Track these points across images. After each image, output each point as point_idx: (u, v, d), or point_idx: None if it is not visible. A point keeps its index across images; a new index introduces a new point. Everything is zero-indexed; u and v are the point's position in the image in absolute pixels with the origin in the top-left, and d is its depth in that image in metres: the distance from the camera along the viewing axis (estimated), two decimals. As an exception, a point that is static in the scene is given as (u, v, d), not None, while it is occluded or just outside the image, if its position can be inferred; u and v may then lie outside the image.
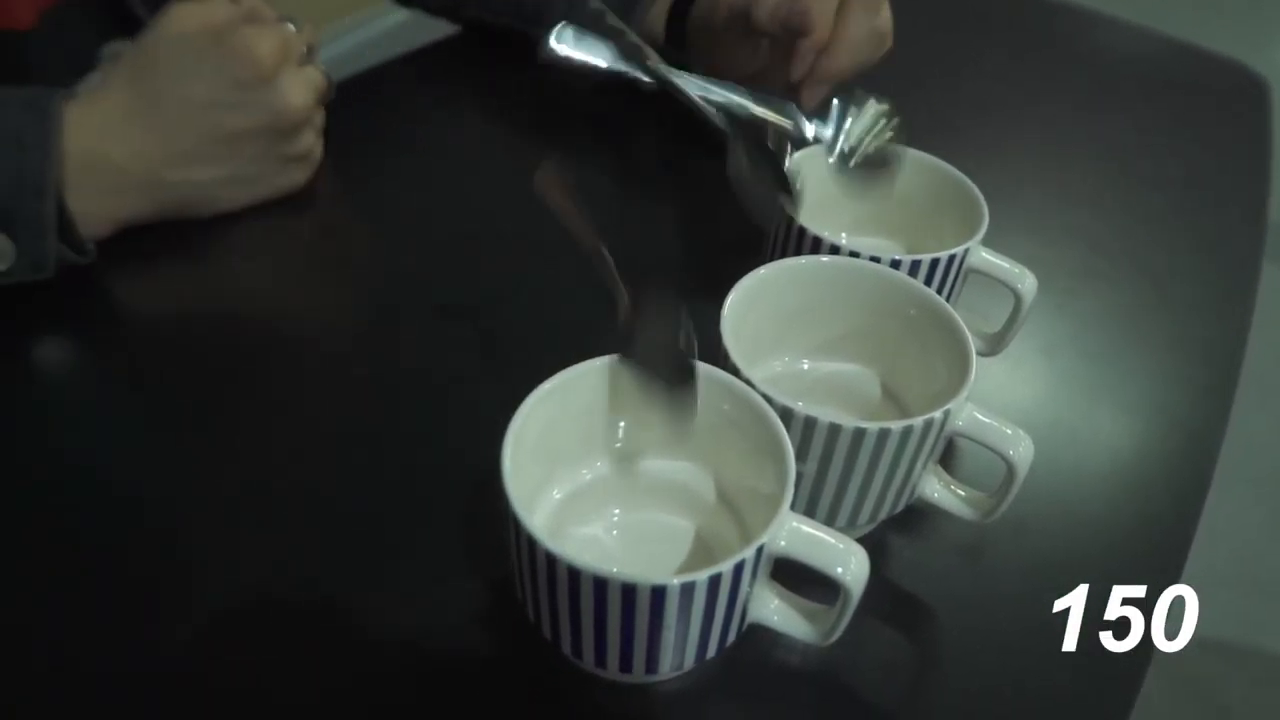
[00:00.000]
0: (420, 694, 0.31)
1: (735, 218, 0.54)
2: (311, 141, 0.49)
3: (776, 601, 0.30)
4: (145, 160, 0.43)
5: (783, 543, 0.28)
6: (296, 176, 0.50)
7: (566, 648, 0.30)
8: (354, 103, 0.60)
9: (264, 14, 0.46)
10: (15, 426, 0.39)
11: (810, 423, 0.30)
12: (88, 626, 0.32)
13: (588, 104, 0.61)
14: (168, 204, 0.46)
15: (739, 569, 0.27)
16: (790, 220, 0.39)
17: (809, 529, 0.28)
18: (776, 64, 0.51)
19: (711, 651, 0.30)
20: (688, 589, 0.26)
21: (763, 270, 0.36)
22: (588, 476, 0.34)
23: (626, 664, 0.29)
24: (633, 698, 0.32)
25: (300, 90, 0.46)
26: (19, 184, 0.39)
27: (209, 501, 0.36)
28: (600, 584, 0.26)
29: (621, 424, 0.34)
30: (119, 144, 0.43)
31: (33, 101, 0.40)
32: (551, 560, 0.27)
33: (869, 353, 0.38)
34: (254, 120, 0.45)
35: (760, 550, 0.27)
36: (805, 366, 0.38)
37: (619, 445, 0.34)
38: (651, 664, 0.29)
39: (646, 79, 0.50)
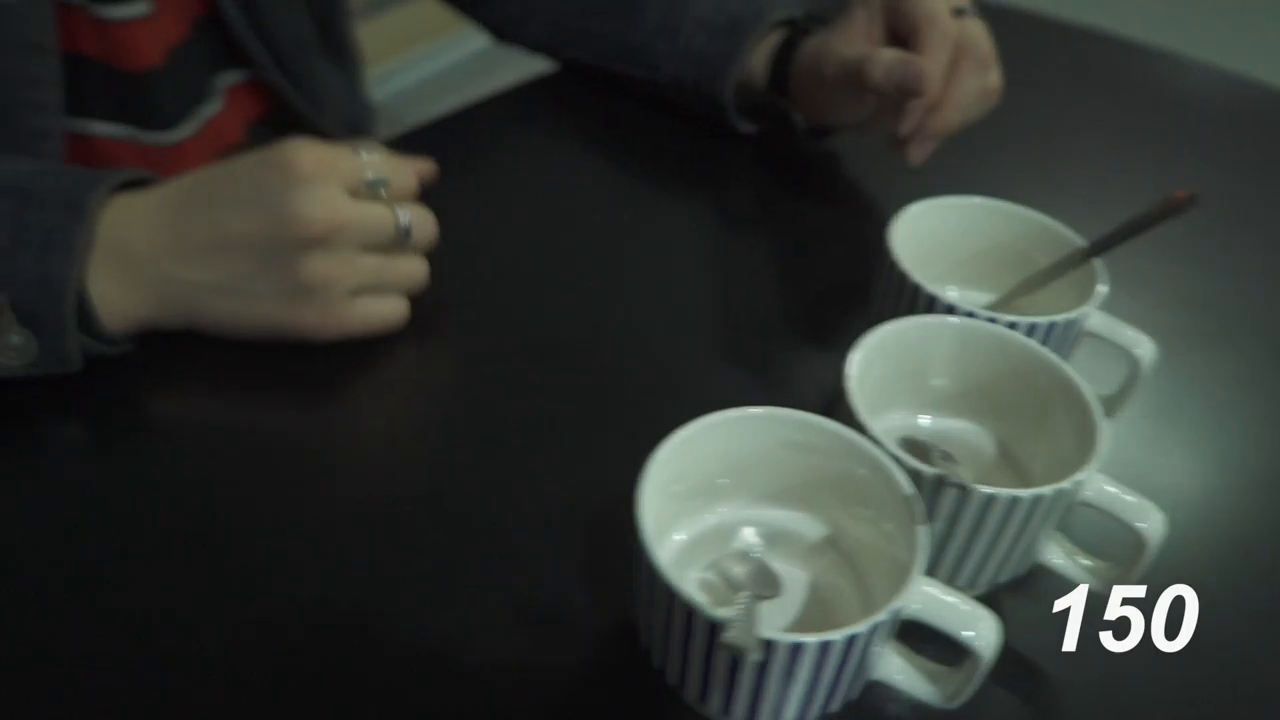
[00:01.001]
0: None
1: (833, 265, 0.55)
2: (329, 273, 0.40)
3: (900, 661, 0.31)
4: (157, 250, 0.40)
5: (916, 606, 0.28)
6: (307, 316, 0.41)
7: (693, 695, 0.30)
8: (451, 141, 0.62)
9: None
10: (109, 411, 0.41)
11: (939, 485, 0.31)
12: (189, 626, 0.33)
13: (687, 147, 0.63)
14: (171, 304, 0.41)
15: (874, 630, 0.28)
16: (903, 276, 0.40)
17: (941, 594, 0.29)
18: (882, 118, 0.52)
19: (834, 706, 0.30)
20: (824, 648, 0.27)
21: (889, 326, 0.36)
22: (711, 521, 0.35)
23: (753, 714, 0.30)
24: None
25: (325, 205, 0.39)
26: (42, 285, 0.37)
27: (322, 520, 0.38)
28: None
29: (747, 473, 0.35)
30: (141, 233, 0.40)
31: (73, 200, 0.38)
32: (690, 613, 0.28)
33: (985, 412, 0.39)
34: (254, 221, 0.39)
35: (893, 613, 0.28)
36: (921, 422, 0.39)
37: (743, 494, 0.35)
38: (777, 716, 0.30)
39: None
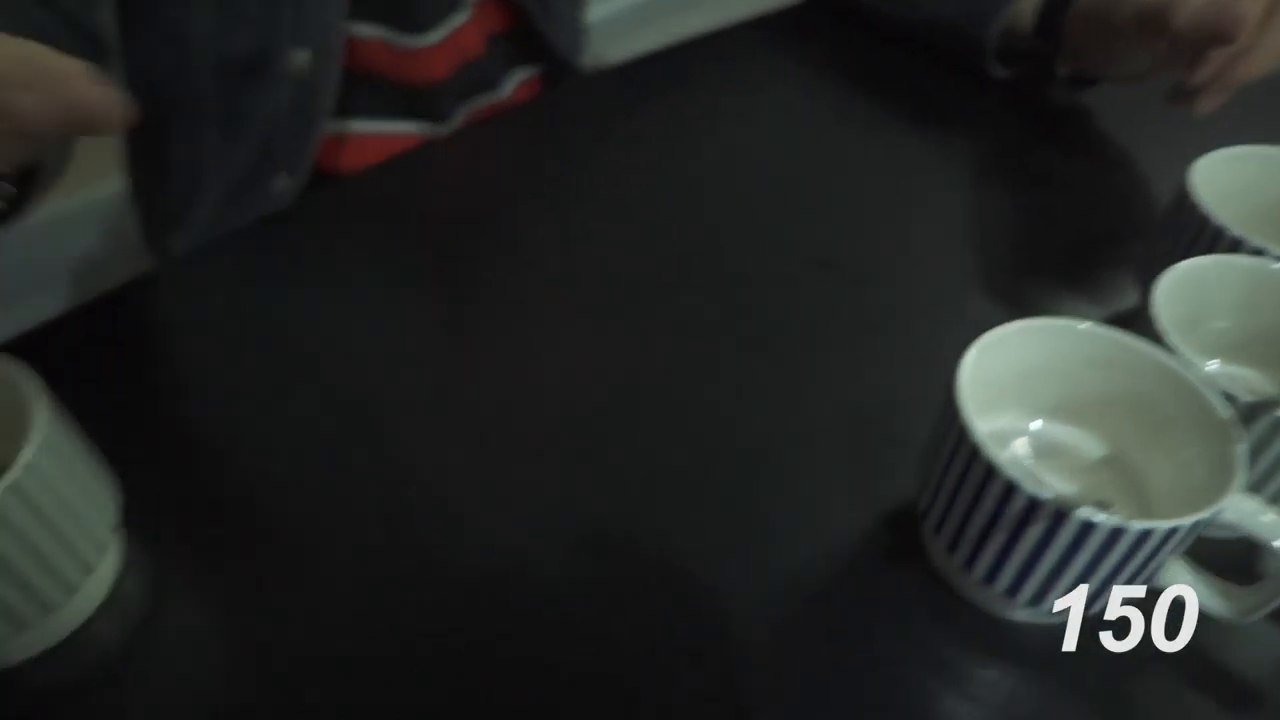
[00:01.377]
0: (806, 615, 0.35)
1: (1087, 214, 0.54)
2: None
3: (1190, 574, 0.32)
4: None
5: (1232, 515, 0.29)
6: None
7: (980, 576, 0.32)
8: (693, 68, 0.63)
9: None
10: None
11: (1251, 412, 0.31)
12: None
13: (935, 87, 0.63)
14: None
15: (1192, 528, 0.29)
16: (1205, 218, 0.40)
17: (1258, 505, 0.29)
18: (1163, 68, 0.51)
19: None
20: (1143, 536, 0.28)
21: (1206, 260, 0.37)
22: (997, 424, 0.37)
23: (1041, 597, 0.31)
24: (1029, 634, 0.34)
25: None
26: None
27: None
28: (1059, 515, 0.29)
29: (1031, 385, 0.36)
30: None
31: None
32: (1009, 487, 0.29)
33: (1270, 359, 0.38)
34: None
35: (1214, 512, 0.29)
36: (1207, 366, 0.39)
37: (1021, 404, 0.36)
38: (1044, 594, 0.31)
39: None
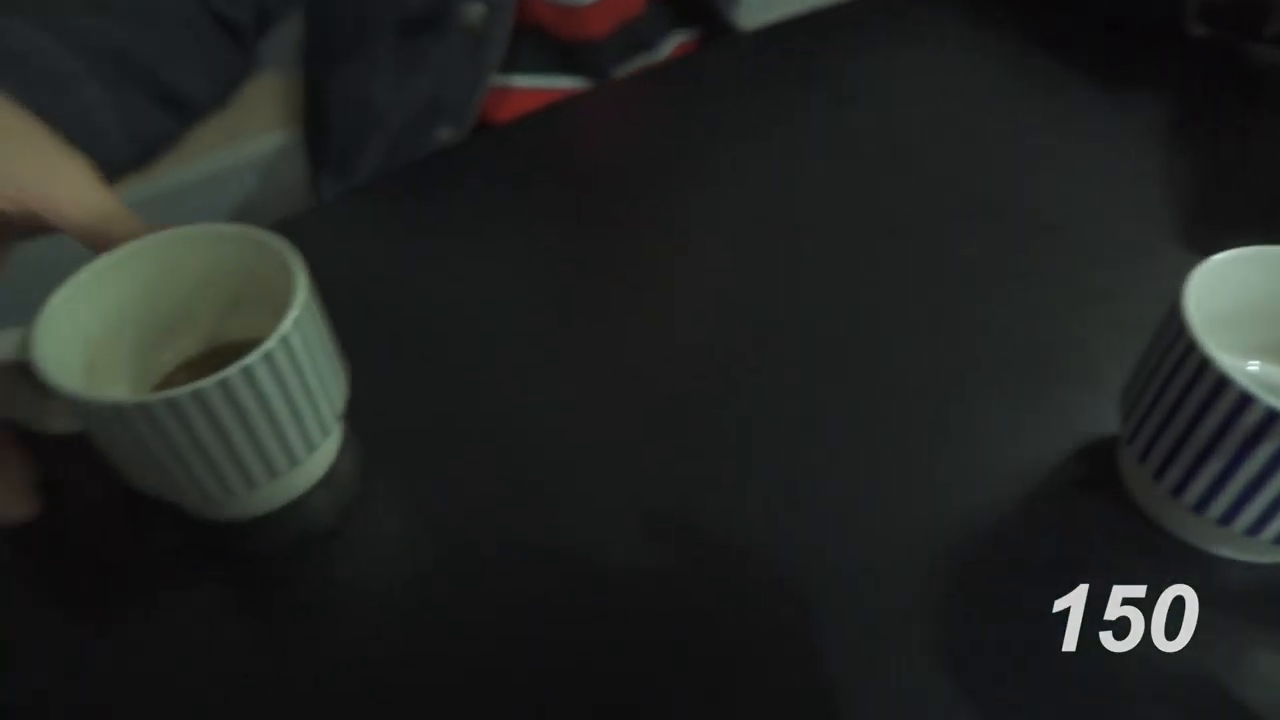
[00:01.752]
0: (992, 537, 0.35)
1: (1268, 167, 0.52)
2: None
3: None
4: None
5: None
6: None
7: (1193, 499, 0.31)
8: (879, 18, 0.64)
9: None
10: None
11: None
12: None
13: (1126, 47, 0.61)
14: None
15: None
16: None
17: None
18: None
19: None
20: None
21: None
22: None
23: (1262, 524, 0.30)
24: (1228, 569, 0.33)
25: None
26: None
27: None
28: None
29: (1246, 319, 0.35)
30: None
31: None
32: (1243, 399, 0.29)
33: None
34: None
35: None
36: None
37: (1242, 343, 0.35)
38: (1265, 522, 0.30)
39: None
